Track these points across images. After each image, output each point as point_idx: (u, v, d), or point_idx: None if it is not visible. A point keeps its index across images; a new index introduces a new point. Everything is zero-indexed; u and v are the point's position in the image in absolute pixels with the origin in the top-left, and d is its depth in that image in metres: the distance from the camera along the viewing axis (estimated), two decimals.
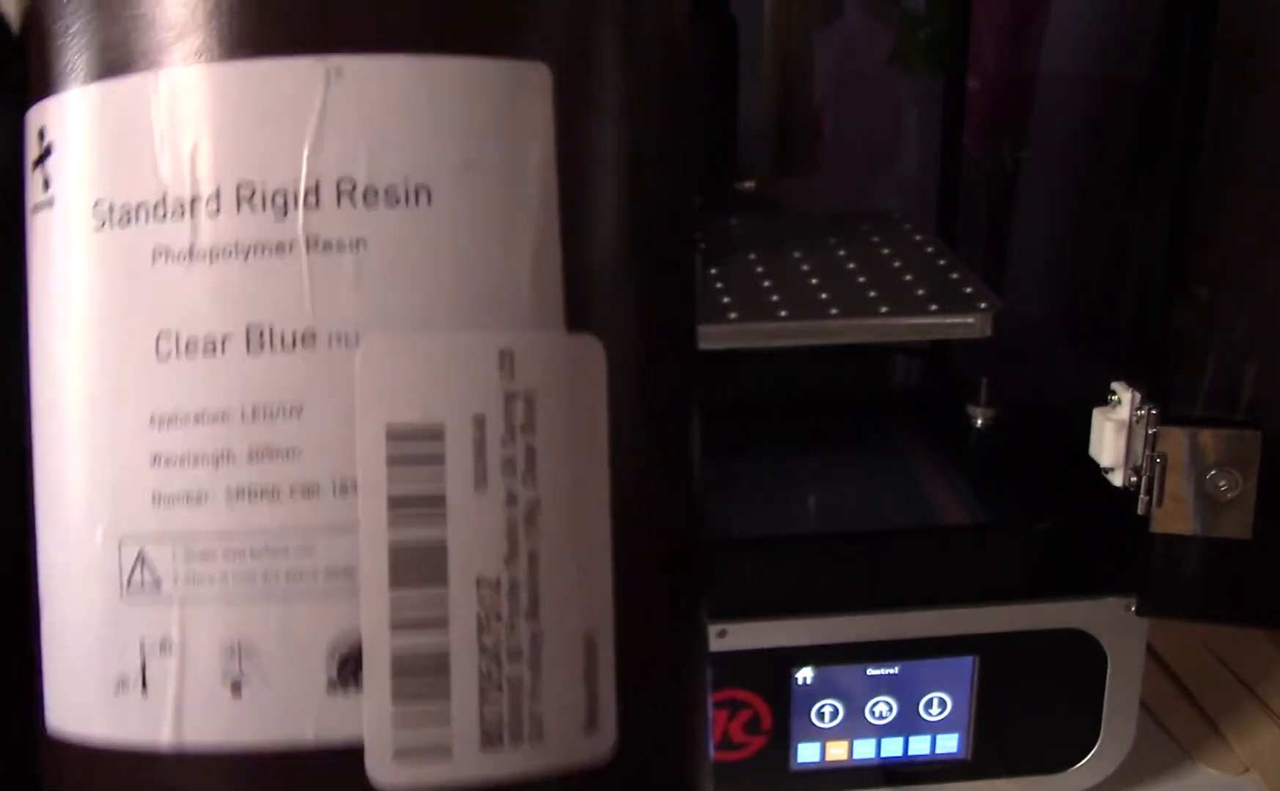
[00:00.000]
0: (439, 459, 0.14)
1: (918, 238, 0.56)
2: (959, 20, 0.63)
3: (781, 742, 0.46)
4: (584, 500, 0.15)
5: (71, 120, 0.15)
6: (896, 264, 0.52)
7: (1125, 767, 0.47)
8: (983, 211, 0.67)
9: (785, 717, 0.45)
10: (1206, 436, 0.42)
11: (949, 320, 0.46)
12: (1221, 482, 0.42)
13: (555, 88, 0.15)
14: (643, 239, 0.16)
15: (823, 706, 0.46)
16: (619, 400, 0.16)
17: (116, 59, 0.15)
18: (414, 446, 0.14)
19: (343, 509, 0.14)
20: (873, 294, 0.48)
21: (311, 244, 0.14)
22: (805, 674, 0.45)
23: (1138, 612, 0.45)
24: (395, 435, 0.14)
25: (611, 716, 0.15)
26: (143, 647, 0.14)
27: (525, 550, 0.15)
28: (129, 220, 0.15)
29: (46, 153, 0.16)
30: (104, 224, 0.15)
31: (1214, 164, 0.41)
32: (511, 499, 0.15)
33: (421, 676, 0.14)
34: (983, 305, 0.46)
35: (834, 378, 0.63)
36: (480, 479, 0.14)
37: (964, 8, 0.62)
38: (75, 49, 0.15)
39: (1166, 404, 0.42)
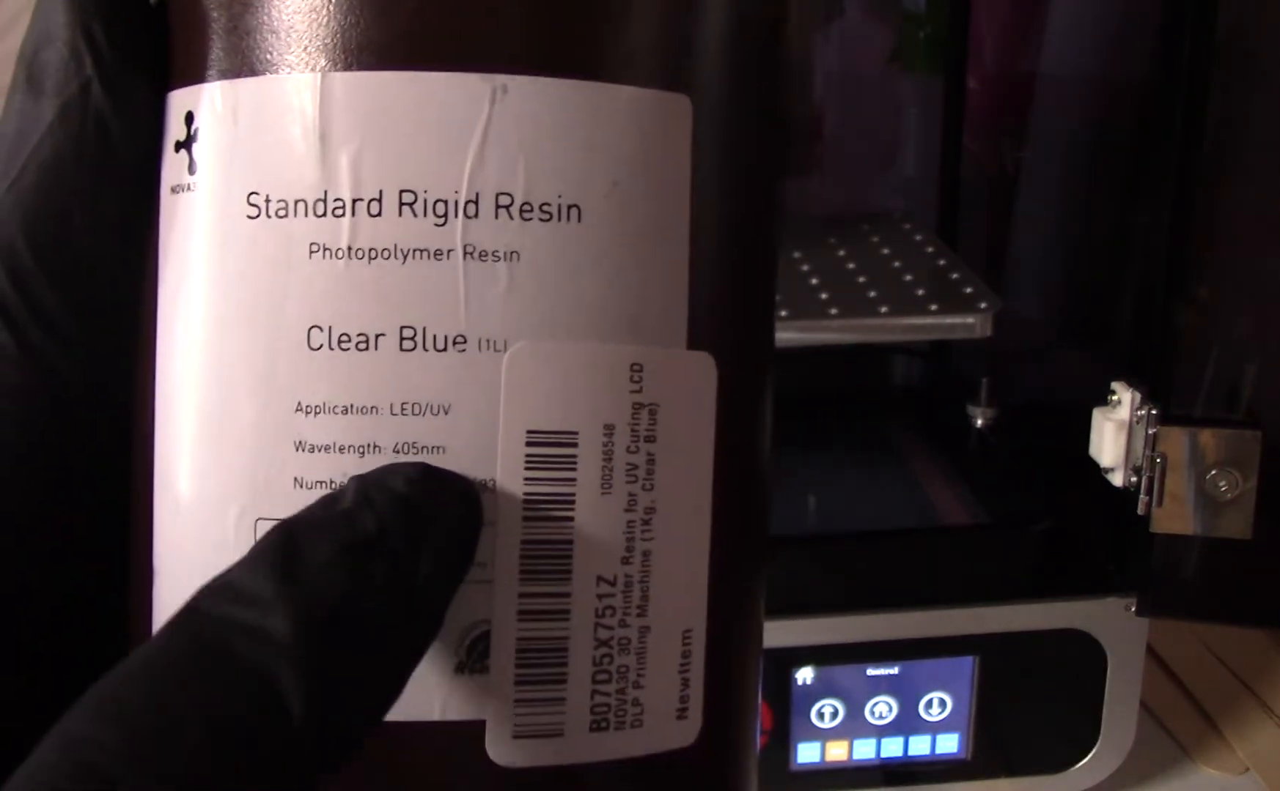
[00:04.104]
0: (572, 462, 0.15)
1: (918, 238, 0.56)
2: (959, 20, 0.63)
3: (781, 742, 0.46)
4: (690, 505, 0.16)
5: (226, 109, 0.15)
6: (896, 264, 0.52)
7: (1125, 767, 0.47)
8: (983, 211, 0.67)
9: (785, 717, 0.45)
10: (1206, 436, 0.42)
11: (949, 320, 0.46)
12: (1221, 483, 0.42)
13: (694, 117, 0.16)
14: (747, 259, 0.17)
15: (823, 706, 0.46)
16: (723, 413, 0.16)
17: (280, 55, 0.15)
18: (551, 450, 0.15)
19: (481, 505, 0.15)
20: (873, 294, 0.48)
21: (469, 252, 0.15)
22: (805, 674, 0.45)
23: (1138, 612, 0.45)
24: (535, 438, 0.15)
25: (699, 705, 0.16)
26: None
27: (640, 550, 0.16)
28: (286, 213, 0.15)
29: (194, 137, 0.16)
30: (259, 214, 0.15)
31: (1214, 164, 0.41)
32: (632, 502, 0.16)
33: (543, 663, 0.15)
34: (983, 305, 0.46)
35: (834, 377, 0.63)
36: (606, 482, 0.15)
37: (964, 8, 0.62)
38: (234, 38, 0.15)
39: (1166, 404, 0.42)
